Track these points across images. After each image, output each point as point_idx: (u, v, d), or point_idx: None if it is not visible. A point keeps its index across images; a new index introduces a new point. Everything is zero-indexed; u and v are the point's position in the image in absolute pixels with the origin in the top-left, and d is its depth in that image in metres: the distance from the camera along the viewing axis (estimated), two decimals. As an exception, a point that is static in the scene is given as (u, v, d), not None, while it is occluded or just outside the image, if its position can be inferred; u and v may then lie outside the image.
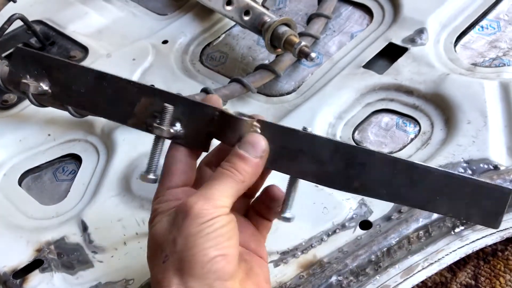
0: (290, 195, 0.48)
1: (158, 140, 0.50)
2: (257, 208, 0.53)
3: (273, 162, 0.47)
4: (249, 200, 0.53)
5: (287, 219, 0.48)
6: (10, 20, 0.81)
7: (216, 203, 0.44)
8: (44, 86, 0.53)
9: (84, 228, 0.62)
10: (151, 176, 0.49)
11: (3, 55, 0.86)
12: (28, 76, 0.53)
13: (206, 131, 0.49)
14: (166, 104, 0.49)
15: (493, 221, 0.43)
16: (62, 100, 0.54)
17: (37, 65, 0.53)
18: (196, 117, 0.50)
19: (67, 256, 0.60)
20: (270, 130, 0.47)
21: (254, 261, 0.48)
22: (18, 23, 0.85)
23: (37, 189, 0.70)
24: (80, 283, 0.57)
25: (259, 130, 0.47)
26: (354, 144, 0.53)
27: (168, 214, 0.46)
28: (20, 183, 0.70)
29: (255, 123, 0.47)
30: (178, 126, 0.49)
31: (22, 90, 0.54)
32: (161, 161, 0.49)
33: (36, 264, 0.59)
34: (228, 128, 0.48)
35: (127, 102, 0.51)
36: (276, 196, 0.51)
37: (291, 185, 0.48)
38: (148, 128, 0.50)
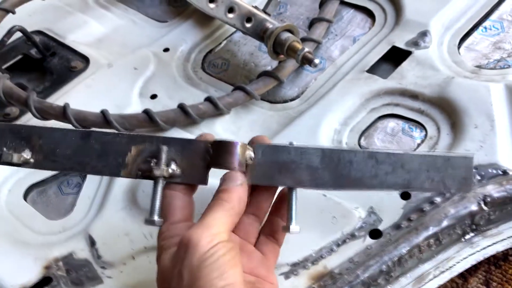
0: (292, 207, 0.51)
1: (157, 182, 0.51)
2: (265, 231, 0.54)
3: (270, 178, 0.51)
4: (258, 226, 0.54)
5: (293, 232, 0.50)
6: (10, 33, 0.81)
7: (213, 231, 0.45)
8: (25, 155, 0.52)
9: (92, 243, 0.62)
10: (156, 217, 0.50)
11: (4, 67, 0.86)
12: (4, 149, 0.52)
13: (203, 165, 0.52)
14: (161, 145, 0.51)
15: (466, 187, 0.52)
16: (47, 166, 0.53)
17: (14, 136, 0.53)
18: (190, 154, 0.52)
19: (76, 273, 0.59)
20: (262, 149, 0.52)
21: None
22: (18, 34, 0.85)
23: (43, 204, 0.70)
24: (90, 300, 0.57)
25: (252, 151, 0.51)
26: (340, 147, 0.55)
27: (172, 249, 0.47)
28: (25, 198, 0.70)
29: (248, 146, 0.52)
30: (174, 166, 0.51)
31: (5, 161, 0.52)
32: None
33: (45, 282, 0.59)
34: (224, 154, 0.50)
35: (117, 154, 0.52)
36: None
37: (291, 197, 0.51)
38: (144, 174, 0.52)
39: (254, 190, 0.54)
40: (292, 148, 0.52)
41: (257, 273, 0.50)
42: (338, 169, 0.51)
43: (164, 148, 0.51)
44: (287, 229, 0.51)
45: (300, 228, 0.51)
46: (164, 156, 0.51)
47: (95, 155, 0.52)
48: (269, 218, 0.54)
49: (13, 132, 0.53)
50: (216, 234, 0.45)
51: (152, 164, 0.51)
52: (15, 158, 0.52)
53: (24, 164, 0.52)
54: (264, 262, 0.51)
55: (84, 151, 0.52)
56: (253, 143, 0.53)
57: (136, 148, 0.52)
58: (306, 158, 0.51)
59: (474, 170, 0.60)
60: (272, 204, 0.55)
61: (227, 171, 0.51)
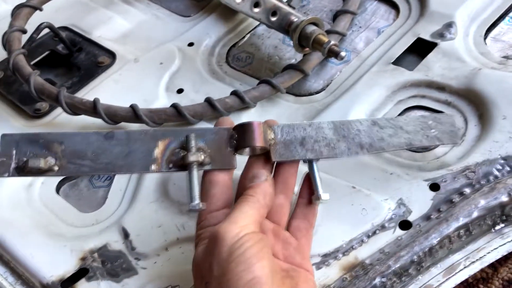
0: (316, 178, 0.54)
1: (191, 169, 0.52)
2: (297, 215, 0.55)
3: (292, 153, 0.55)
4: (288, 205, 0.55)
5: (323, 200, 0.53)
6: (39, 29, 0.83)
7: (239, 224, 0.46)
8: (49, 162, 0.51)
9: (126, 235, 0.63)
10: (197, 201, 0.51)
11: (32, 63, 0.88)
12: (24, 159, 0.51)
13: (229, 149, 0.54)
14: (188, 134, 0.53)
15: (454, 138, 0.58)
16: (73, 171, 0.53)
17: (33, 145, 0.52)
18: (216, 141, 0.54)
19: (111, 264, 0.61)
20: (280, 128, 0.56)
21: (300, 276, 0.50)
22: (44, 30, 0.86)
23: (75, 197, 0.72)
24: (126, 290, 0.58)
25: (272, 131, 0.55)
26: (347, 119, 0.59)
27: (207, 240, 0.48)
28: (57, 191, 0.72)
29: (267, 126, 0.55)
30: (202, 154, 0.53)
31: (32, 167, 0.51)
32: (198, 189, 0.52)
33: (82, 273, 0.60)
34: (249, 133, 0.54)
35: (144, 150, 0.54)
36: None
37: (312, 170, 0.55)
38: (176, 165, 0.53)
39: (279, 168, 0.56)
40: (307, 124, 0.56)
41: (292, 260, 0.51)
42: (350, 138, 0.56)
43: (193, 135, 0.53)
44: (317, 198, 0.53)
45: (329, 213, 0.55)
46: (194, 143, 0.53)
47: (122, 154, 0.53)
48: (299, 201, 0.55)
49: (31, 141, 0.52)
50: (242, 227, 0.46)
51: (182, 154, 0.53)
52: (42, 163, 0.51)
53: (50, 171, 0.52)
54: (299, 249, 0.52)
55: (109, 152, 0.53)
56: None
57: (162, 143, 0.54)
58: (321, 132, 0.56)
59: (503, 161, 0.60)
60: (300, 188, 0.56)
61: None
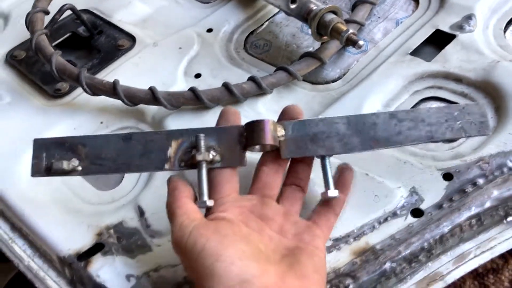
0: (328, 174, 0.55)
1: (200, 167, 0.55)
2: (321, 203, 0.57)
3: (303, 150, 0.56)
4: (302, 195, 0.57)
5: (331, 196, 0.54)
6: (61, 11, 0.84)
7: (180, 222, 0.51)
8: (73, 163, 0.57)
9: (141, 213, 0.65)
10: (206, 198, 0.54)
11: (53, 44, 0.89)
12: (53, 161, 0.57)
13: (239, 147, 0.56)
14: (197, 134, 0.56)
15: (485, 129, 0.55)
16: (94, 171, 0.57)
17: (60, 148, 0.58)
18: (226, 139, 0.56)
19: (126, 240, 0.62)
20: (292, 125, 0.56)
21: (304, 253, 0.51)
22: (66, 13, 0.88)
23: (92, 176, 0.73)
24: (140, 266, 0.59)
25: (282, 128, 0.56)
26: (363, 114, 0.60)
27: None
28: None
29: (278, 123, 0.56)
30: (212, 153, 0.55)
31: (56, 169, 0.57)
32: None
33: (97, 248, 0.62)
34: (258, 132, 0.55)
35: (159, 150, 0.57)
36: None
37: (324, 165, 0.56)
38: (187, 164, 0.56)
39: (292, 162, 0.58)
40: (319, 120, 0.56)
41: (300, 238, 0.53)
42: (364, 132, 0.55)
43: (202, 135, 0.56)
44: (326, 194, 0.54)
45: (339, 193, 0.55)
46: (203, 143, 0.55)
47: (139, 154, 0.57)
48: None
49: (58, 145, 0.58)
50: (185, 226, 0.50)
51: (193, 153, 0.55)
52: (65, 165, 0.56)
53: (73, 171, 0.57)
54: (310, 229, 0.53)
55: (127, 152, 0.57)
56: (285, 111, 0.58)
57: (176, 142, 0.57)
58: (334, 127, 0.56)
59: (518, 153, 0.61)
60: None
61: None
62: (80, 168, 0.57)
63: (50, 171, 0.57)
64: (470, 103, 0.56)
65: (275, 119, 0.60)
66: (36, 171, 0.58)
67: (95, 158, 0.57)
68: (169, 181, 0.56)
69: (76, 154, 0.57)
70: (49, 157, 0.57)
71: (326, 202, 0.56)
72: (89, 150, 0.57)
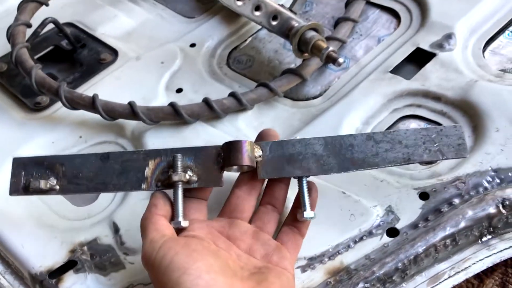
0: (304, 195, 0.55)
1: (176, 188, 0.55)
2: (288, 222, 0.57)
3: (280, 171, 0.56)
4: (276, 215, 0.57)
5: (307, 217, 0.54)
6: (43, 24, 0.84)
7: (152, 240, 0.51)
8: (51, 182, 0.57)
9: (116, 230, 0.64)
10: (181, 219, 0.54)
11: (36, 57, 0.89)
12: (31, 180, 0.57)
13: (216, 168, 0.56)
14: (175, 155, 0.55)
15: (462, 152, 0.56)
16: (72, 190, 0.58)
17: (38, 167, 0.58)
18: (203, 159, 0.56)
19: (100, 257, 0.61)
20: (269, 146, 0.57)
21: (272, 272, 0.51)
22: (49, 26, 0.87)
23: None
24: (113, 284, 0.59)
25: (259, 149, 0.56)
26: (339, 134, 0.59)
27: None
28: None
29: (255, 144, 0.57)
30: (190, 172, 0.55)
31: (33, 188, 0.57)
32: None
33: (70, 265, 0.61)
34: (234, 152, 0.55)
35: (137, 170, 0.57)
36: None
37: (301, 185, 0.56)
38: (164, 184, 0.56)
39: (269, 182, 0.58)
40: (296, 140, 0.57)
41: (269, 259, 0.53)
42: (341, 154, 0.56)
43: (179, 156, 0.56)
44: (301, 215, 0.54)
45: (317, 217, 0.55)
46: (179, 163, 0.55)
47: (116, 173, 0.57)
48: (292, 210, 0.57)
49: (37, 163, 0.58)
50: (155, 242, 0.49)
51: (170, 173, 0.55)
52: (42, 184, 0.57)
53: (51, 190, 0.57)
54: (279, 250, 0.53)
55: (105, 172, 0.57)
56: (261, 136, 0.59)
57: (153, 162, 0.57)
58: (311, 148, 0.56)
59: (493, 173, 0.60)
60: (295, 198, 0.57)
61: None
62: (57, 187, 0.57)
63: (28, 190, 0.57)
64: (448, 126, 0.56)
65: (255, 135, 0.60)
66: (14, 190, 0.58)
67: (72, 178, 0.57)
68: (152, 196, 0.55)
69: (54, 173, 0.57)
70: (27, 176, 0.58)
71: (293, 223, 0.56)
72: (67, 170, 0.57)
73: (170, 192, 0.56)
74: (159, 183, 0.56)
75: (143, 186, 0.56)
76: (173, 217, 0.54)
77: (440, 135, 0.56)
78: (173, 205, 0.55)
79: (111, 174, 0.57)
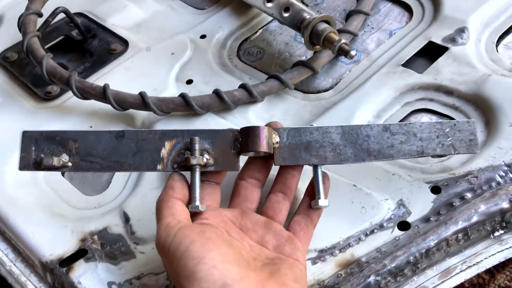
0: (319, 184, 0.55)
1: (193, 171, 0.54)
2: (300, 212, 0.56)
3: (296, 158, 0.56)
4: (288, 203, 0.57)
5: (322, 205, 0.55)
6: (54, 14, 0.84)
7: (165, 223, 0.50)
8: (63, 159, 0.55)
9: (126, 219, 0.64)
10: (198, 203, 0.53)
11: (46, 47, 0.89)
12: (43, 155, 0.55)
13: (233, 152, 0.55)
14: (192, 137, 0.54)
15: (473, 147, 0.56)
16: (85, 168, 0.56)
17: (50, 142, 0.56)
18: (220, 143, 0.55)
19: (110, 247, 0.62)
20: (287, 132, 0.56)
21: (284, 263, 0.51)
22: (60, 15, 0.87)
23: (79, 180, 0.72)
24: (123, 273, 0.59)
25: (277, 135, 0.56)
26: (357, 124, 0.59)
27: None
28: (63, 174, 0.72)
29: (273, 130, 0.56)
30: (206, 155, 0.55)
31: (46, 165, 0.55)
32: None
33: (80, 254, 0.61)
34: (252, 138, 0.54)
35: (152, 150, 0.55)
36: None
37: (316, 174, 0.56)
38: (180, 166, 0.55)
39: (280, 169, 0.58)
40: (314, 128, 0.56)
41: (281, 250, 0.53)
42: (358, 144, 0.56)
43: (197, 139, 0.55)
44: (316, 203, 0.54)
45: (328, 210, 0.55)
46: (197, 146, 0.54)
47: (131, 153, 0.55)
48: (304, 199, 0.56)
49: (48, 139, 0.56)
50: (171, 228, 0.49)
51: (186, 155, 0.54)
52: (55, 161, 0.55)
53: (63, 167, 0.55)
54: (291, 241, 0.53)
55: (119, 150, 0.56)
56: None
57: (169, 143, 0.56)
58: (328, 137, 0.56)
59: (506, 168, 0.60)
60: (307, 187, 0.57)
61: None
62: (70, 164, 0.55)
63: (39, 166, 0.55)
64: (461, 120, 0.57)
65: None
66: (25, 165, 0.56)
67: (86, 155, 0.55)
68: (170, 177, 0.54)
69: (66, 149, 0.55)
70: (38, 151, 0.55)
71: (306, 212, 0.56)
72: (80, 146, 0.56)
73: (185, 174, 0.55)
74: (175, 165, 0.55)
75: (159, 167, 0.55)
76: (189, 201, 0.53)
77: (453, 130, 0.56)
78: (190, 188, 0.54)
79: (126, 153, 0.55)
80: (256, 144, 0.54)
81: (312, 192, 0.55)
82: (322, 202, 0.54)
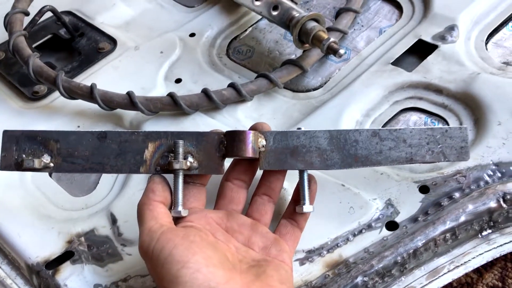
0: (304, 189, 0.55)
1: (176, 175, 0.53)
2: (287, 215, 0.56)
3: (282, 163, 0.55)
4: (272, 206, 0.57)
5: (307, 211, 0.54)
6: (41, 12, 0.83)
7: (149, 229, 0.50)
8: (45, 160, 0.54)
9: (113, 221, 0.63)
10: (181, 208, 0.53)
11: (34, 45, 0.88)
12: (24, 156, 0.55)
13: (218, 155, 0.54)
14: (176, 140, 0.53)
15: (463, 155, 0.55)
16: (67, 169, 0.55)
17: (31, 142, 0.55)
18: (205, 146, 0.55)
19: (97, 248, 0.61)
20: (273, 136, 0.55)
21: (270, 265, 0.50)
22: (48, 14, 0.86)
23: (67, 180, 0.72)
24: (110, 275, 0.58)
25: (263, 139, 0.55)
26: (345, 128, 0.58)
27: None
28: (50, 174, 0.72)
29: (259, 133, 0.55)
30: (190, 158, 0.54)
31: (27, 167, 0.54)
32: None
33: (67, 256, 0.61)
34: (238, 143, 0.54)
35: (135, 152, 0.55)
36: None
37: (302, 179, 0.55)
38: (163, 169, 0.54)
39: (265, 172, 0.58)
40: (301, 132, 0.55)
41: (267, 252, 0.52)
42: (345, 149, 0.55)
43: (181, 142, 0.54)
44: (301, 209, 0.54)
45: (316, 210, 0.55)
46: (181, 150, 0.54)
47: (113, 154, 0.55)
48: (291, 203, 0.56)
49: (29, 138, 0.55)
50: (153, 229, 0.49)
51: (170, 158, 0.54)
52: (36, 163, 0.54)
53: (45, 168, 0.55)
54: (277, 243, 0.53)
55: (102, 152, 0.55)
56: (255, 130, 0.56)
57: (152, 145, 0.55)
58: (315, 141, 0.55)
59: (495, 167, 0.60)
60: (293, 191, 0.57)
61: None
62: (52, 165, 0.55)
63: (20, 167, 0.55)
64: (453, 127, 0.55)
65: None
66: (6, 165, 0.55)
67: (67, 156, 0.55)
68: (150, 180, 0.54)
69: (48, 149, 0.55)
70: (20, 151, 0.55)
71: (292, 216, 0.55)
72: (62, 147, 0.55)
73: (168, 176, 0.54)
74: (159, 168, 0.54)
75: (142, 169, 0.54)
76: (172, 205, 0.53)
77: (444, 136, 0.55)
78: (171, 191, 0.53)
79: (108, 154, 0.55)
80: (241, 149, 0.54)
81: (298, 196, 0.55)
82: (306, 208, 0.54)
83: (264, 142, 0.55)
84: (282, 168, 0.56)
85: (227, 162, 0.57)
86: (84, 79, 0.82)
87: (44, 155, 0.55)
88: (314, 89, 0.77)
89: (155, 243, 0.47)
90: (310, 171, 0.57)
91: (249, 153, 0.54)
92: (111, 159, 0.55)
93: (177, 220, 0.53)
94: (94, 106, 0.74)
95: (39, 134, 0.55)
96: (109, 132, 0.55)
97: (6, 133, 0.56)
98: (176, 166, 0.53)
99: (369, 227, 0.58)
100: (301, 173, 0.55)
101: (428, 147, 0.55)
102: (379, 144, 0.55)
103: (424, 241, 0.55)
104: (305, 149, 0.55)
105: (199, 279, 0.44)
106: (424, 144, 0.55)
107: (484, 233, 0.57)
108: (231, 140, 0.54)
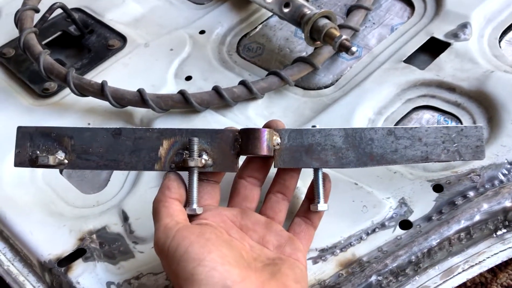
0: (319, 187, 0.54)
1: (191, 172, 0.53)
2: (300, 214, 0.56)
3: (297, 161, 0.54)
4: (286, 203, 0.56)
5: (321, 209, 0.54)
6: (51, 9, 0.83)
7: (165, 226, 0.49)
8: (59, 157, 0.54)
9: (125, 218, 0.63)
10: (195, 206, 0.52)
11: (43, 42, 0.88)
12: (38, 152, 0.54)
13: (232, 153, 0.54)
14: (191, 138, 0.53)
15: (479, 154, 0.55)
16: (81, 166, 0.55)
17: (45, 138, 0.55)
18: (220, 143, 0.54)
19: (109, 246, 0.61)
20: (288, 133, 0.55)
21: (285, 263, 0.50)
22: (58, 11, 0.86)
23: (78, 178, 0.72)
24: (122, 273, 0.58)
25: (278, 136, 0.54)
26: (361, 127, 0.58)
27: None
28: (61, 172, 0.72)
29: (274, 131, 0.55)
30: (205, 156, 0.54)
31: (41, 163, 0.54)
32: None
33: (79, 253, 0.60)
34: (253, 140, 0.53)
35: (150, 149, 0.54)
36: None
37: (317, 177, 0.55)
38: (178, 166, 0.54)
39: (280, 169, 0.57)
40: (316, 130, 0.55)
41: (281, 250, 0.52)
42: (361, 147, 0.54)
43: (195, 140, 0.53)
44: (315, 207, 0.54)
45: (329, 208, 0.54)
46: (196, 147, 0.53)
47: (128, 151, 0.55)
48: (304, 201, 0.56)
49: (43, 135, 0.55)
50: (169, 229, 0.48)
51: (184, 156, 0.54)
52: (51, 160, 0.54)
53: (59, 165, 0.55)
54: (291, 241, 0.53)
55: (116, 149, 0.55)
56: (268, 126, 0.56)
57: (167, 142, 0.55)
58: (330, 139, 0.54)
59: (509, 166, 0.59)
60: (307, 189, 0.57)
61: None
62: (66, 161, 0.54)
63: (35, 163, 0.55)
64: (468, 126, 0.55)
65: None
66: (20, 162, 0.55)
67: (82, 152, 0.54)
68: (166, 177, 0.53)
69: (62, 146, 0.54)
70: (34, 147, 0.54)
71: (306, 214, 0.55)
72: (76, 143, 0.55)
73: (183, 173, 0.54)
74: (173, 165, 0.54)
75: (156, 166, 0.54)
76: (187, 203, 0.53)
77: (460, 135, 0.54)
78: (187, 188, 0.53)
79: (122, 151, 0.54)
80: (256, 147, 0.53)
81: (312, 194, 0.55)
82: (321, 206, 0.54)
83: (279, 140, 0.55)
84: (297, 166, 0.55)
85: (241, 159, 0.56)
86: (94, 76, 0.82)
87: (58, 152, 0.54)
88: (326, 87, 0.76)
89: (171, 240, 0.47)
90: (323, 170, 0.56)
91: (264, 151, 0.53)
92: (125, 156, 0.54)
93: (192, 217, 0.52)
94: (104, 103, 0.74)
95: (53, 130, 0.55)
96: (124, 129, 0.55)
97: (20, 129, 0.55)
98: (191, 163, 0.53)
99: (382, 226, 0.58)
100: (316, 172, 0.55)
101: (444, 146, 0.54)
102: (394, 142, 0.54)
103: (438, 240, 0.55)
104: (320, 147, 0.54)
105: (215, 277, 0.44)
106: (440, 143, 0.54)
107: (499, 232, 0.57)
108: (246, 138, 0.54)
